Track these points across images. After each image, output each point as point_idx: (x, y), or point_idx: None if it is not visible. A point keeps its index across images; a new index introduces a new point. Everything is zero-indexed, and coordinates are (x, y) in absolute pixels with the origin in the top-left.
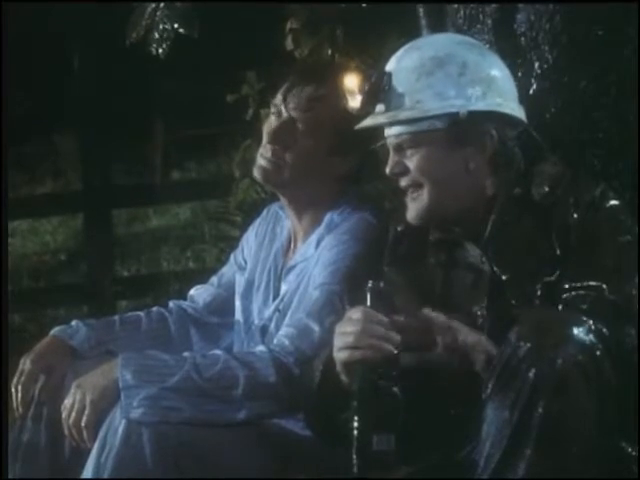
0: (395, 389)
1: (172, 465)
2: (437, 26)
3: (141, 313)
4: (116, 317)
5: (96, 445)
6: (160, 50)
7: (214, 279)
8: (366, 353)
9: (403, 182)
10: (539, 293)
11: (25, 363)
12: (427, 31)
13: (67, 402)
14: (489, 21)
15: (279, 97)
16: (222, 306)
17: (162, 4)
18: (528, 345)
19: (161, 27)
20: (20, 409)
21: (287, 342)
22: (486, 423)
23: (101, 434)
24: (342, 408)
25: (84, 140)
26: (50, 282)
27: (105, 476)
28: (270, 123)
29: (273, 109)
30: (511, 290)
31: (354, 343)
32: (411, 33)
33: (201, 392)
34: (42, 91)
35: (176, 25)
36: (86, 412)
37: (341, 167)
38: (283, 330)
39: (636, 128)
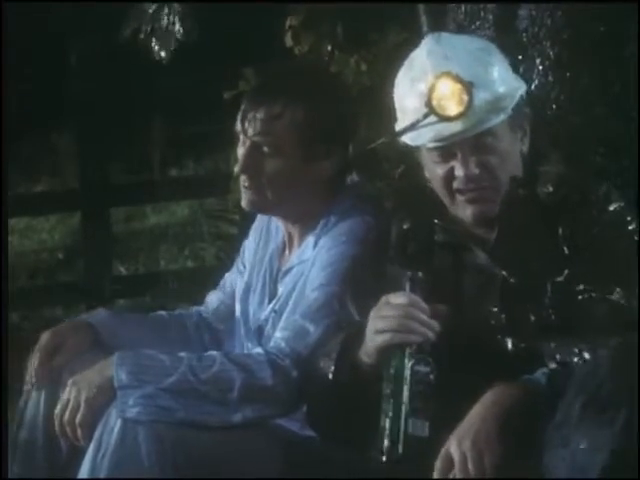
0: (431, 376)
1: (169, 464)
2: (438, 22)
3: (164, 314)
4: (140, 315)
5: (92, 445)
6: (163, 54)
7: (222, 283)
8: (408, 337)
9: (476, 184)
10: (549, 294)
11: (43, 337)
12: (427, 27)
13: (62, 399)
14: (490, 17)
15: (239, 124)
16: (226, 312)
17: (162, 7)
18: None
19: (161, 30)
20: (33, 380)
21: (283, 344)
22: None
23: (97, 434)
24: (359, 400)
25: (81, 138)
26: (48, 280)
27: (101, 476)
28: (239, 151)
29: (239, 136)
30: (521, 292)
31: (397, 326)
32: (411, 29)
33: (197, 394)
34: (40, 89)
35: (177, 27)
36: (81, 410)
37: (327, 170)
38: (279, 332)
39: (637, 125)
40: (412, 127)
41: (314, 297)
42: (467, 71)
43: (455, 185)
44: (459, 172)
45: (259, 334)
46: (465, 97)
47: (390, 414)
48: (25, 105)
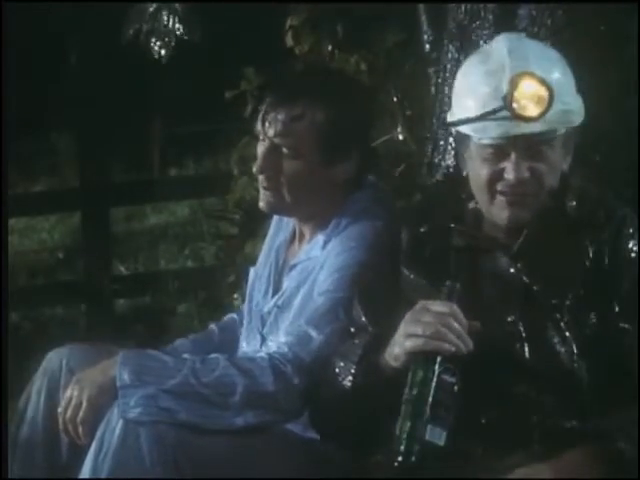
0: (455, 387)
1: (171, 464)
2: (438, 22)
3: (235, 316)
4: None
5: (94, 445)
6: (163, 52)
7: None
8: (442, 346)
9: (523, 189)
10: (568, 304)
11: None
12: (427, 27)
13: (65, 396)
14: (490, 16)
15: (259, 124)
16: None
17: (163, 7)
18: None
19: (162, 30)
20: None
21: (286, 349)
22: None
23: (99, 433)
24: (374, 402)
25: (82, 137)
26: (47, 280)
27: (103, 476)
28: (259, 150)
29: (259, 136)
30: (542, 299)
31: (432, 334)
32: (411, 29)
33: (199, 397)
34: (40, 89)
35: (177, 27)
36: (83, 408)
37: (345, 172)
38: (284, 337)
39: (637, 124)
40: (479, 119)
41: (320, 303)
42: (547, 76)
43: (500, 187)
44: (509, 175)
45: (261, 325)
46: (546, 100)
47: (411, 418)
48: (25, 105)
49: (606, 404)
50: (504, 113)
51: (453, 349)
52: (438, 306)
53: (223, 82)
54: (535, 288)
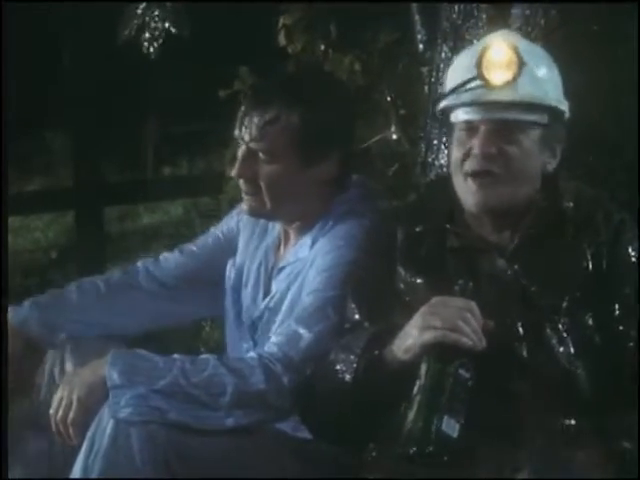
0: (470, 382)
1: (162, 464)
2: (431, 21)
3: (100, 282)
4: (73, 291)
5: (84, 445)
6: (152, 49)
7: (183, 247)
8: (461, 338)
9: (489, 166)
10: (565, 305)
11: None
12: (421, 26)
13: (56, 398)
14: (484, 16)
15: (237, 130)
16: (190, 274)
17: (153, 3)
18: None
19: (152, 26)
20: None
21: (276, 349)
22: None
23: (89, 433)
24: (375, 396)
25: (76, 137)
26: (41, 279)
27: (93, 476)
28: (238, 155)
29: (239, 141)
30: (538, 301)
31: (452, 326)
32: (405, 28)
33: (189, 398)
34: (34, 88)
35: (167, 24)
36: (73, 409)
37: (327, 173)
38: (274, 337)
39: (631, 125)
40: (455, 89)
41: (309, 302)
42: (528, 56)
43: (467, 166)
44: (476, 149)
45: (253, 330)
46: (515, 64)
47: (427, 408)
48: (20, 105)
49: (605, 404)
50: (478, 82)
51: (470, 343)
52: (457, 301)
53: (217, 82)
54: (532, 289)
